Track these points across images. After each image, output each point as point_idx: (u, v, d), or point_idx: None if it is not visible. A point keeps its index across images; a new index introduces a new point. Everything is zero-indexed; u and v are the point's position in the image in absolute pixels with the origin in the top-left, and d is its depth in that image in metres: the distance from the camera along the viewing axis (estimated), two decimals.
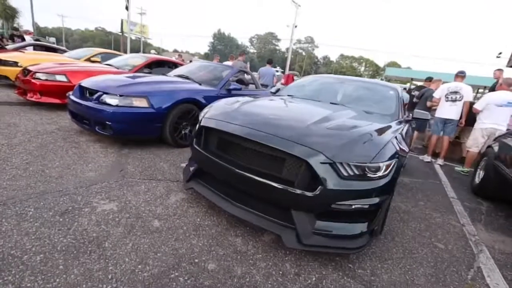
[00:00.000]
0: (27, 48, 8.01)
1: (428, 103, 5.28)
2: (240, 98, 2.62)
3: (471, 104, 4.76)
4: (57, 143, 3.04)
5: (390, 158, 1.68)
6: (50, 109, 4.53)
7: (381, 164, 1.61)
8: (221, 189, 1.96)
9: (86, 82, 3.39)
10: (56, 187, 2.07)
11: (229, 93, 4.13)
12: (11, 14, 21.34)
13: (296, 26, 29.33)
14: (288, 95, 3.21)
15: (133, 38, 37.60)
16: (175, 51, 74.88)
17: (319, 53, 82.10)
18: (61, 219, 1.68)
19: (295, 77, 8.54)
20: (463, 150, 5.48)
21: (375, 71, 78.55)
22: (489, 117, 4.40)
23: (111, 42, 57.03)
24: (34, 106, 4.62)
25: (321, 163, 1.54)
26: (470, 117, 4.85)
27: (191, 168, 2.23)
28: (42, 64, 4.97)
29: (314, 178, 1.57)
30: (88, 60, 6.90)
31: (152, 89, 3.24)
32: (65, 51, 8.59)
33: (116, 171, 2.54)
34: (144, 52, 34.29)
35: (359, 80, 3.66)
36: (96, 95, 3.06)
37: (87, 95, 3.29)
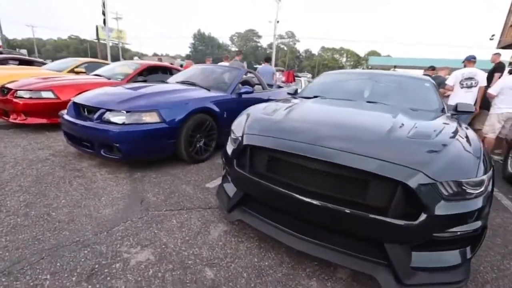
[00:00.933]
0: None
1: (442, 90, 5.11)
2: (273, 104, 2.28)
3: (486, 89, 4.63)
4: (56, 173, 2.58)
5: (488, 168, 1.39)
6: (38, 131, 4.01)
7: (484, 177, 1.32)
8: (278, 219, 1.62)
9: (81, 99, 2.93)
10: (70, 236, 1.66)
11: (240, 97, 3.77)
12: None
13: (278, 22, 29.01)
14: (316, 96, 2.88)
15: (110, 44, 36.18)
16: (155, 54, 72.84)
17: (300, 47, 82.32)
18: (90, 287, 1.29)
19: (307, 78, 8.21)
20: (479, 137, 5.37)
21: (357, 61, 79.65)
22: (505, 101, 4.25)
23: (86, 50, 54.74)
24: (18, 128, 4.08)
25: (422, 184, 1.23)
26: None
27: (232, 194, 1.87)
28: (22, 80, 4.41)
29: (413, 203, 1.26)
30: (72, 71, 6.30)
31: (161, 100, 2.83)
32: (43, 63, 7.88)
33: (136, 203, 2.14)
34: (124, 59, 33.02)
35: (386, 74, 3.39)
36: (97, 114, 2.62)
37: (85, 113, 2.84)
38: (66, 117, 2.88)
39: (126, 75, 5.05)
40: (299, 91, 3.57)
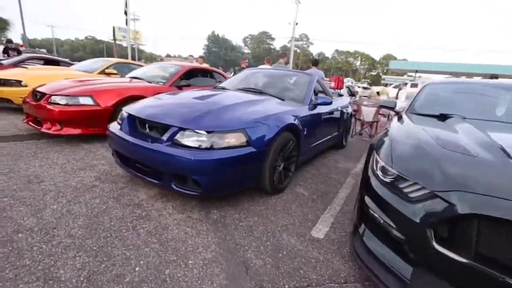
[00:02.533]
0: (25, 61, 6.81)
1: None
2: (445, 133, 1.58)
3: None
4: (112, 211, 1.94)
5: None
6: (73, 143, 3.42)
7: None
8: None
9: (140, 111, 2.29)
10: None
11: (315, 109, 3.08)
12: (1, 26, 19.91)
13: (297, 24, 28.38)
14: (446, 115, 2.15)
15: (124, 45, 36.35)
16: (168, 55, 73.30)
17: (314, 50, 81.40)
18: None
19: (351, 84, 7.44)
20: None
21: (371, 64, 77.96)
22: None
23: (102, 50, 55.40)
24: (51, 138, 3.50)
25: None
26: None
27: (411, 276, 1.16)
28: (55, 83, 3.85)
29: None
30: (103, 72, 5.78)
31: (246, 117, 2.15)
32: (69, 63, 7.42)
33: (239, 271, 1.47)
34: (139, 59, 33.00)
35: None
36: (168, 133, 1.96)
37: (146, 129, 2.20)
38: (119, 133, 2.24)
39: (167, 78, 4.45)
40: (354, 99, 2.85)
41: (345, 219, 2.18)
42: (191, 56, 9.26)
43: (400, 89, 11.61)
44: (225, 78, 5.74)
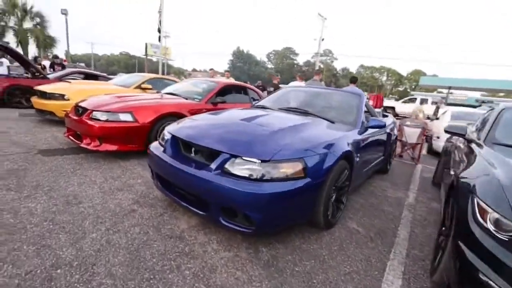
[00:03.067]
0: (68, 76, 7.21)
1: None
2: None
3: None
4: (153, 244, 1.76)
5: None
6: (110, 159, 3.37)
7: None
8: None
9: (184, 132, 2.14)
10: None
11: (365, 132, 2.79)
12: (50, 43, 21.87)
13: (323, 39, 28.42)
14: None
15: (155, 60, 38.30)
16: (194, 70, 76.30)
17: (338, 65, 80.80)
18: None
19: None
20: None
21: (398, 80, 75.59)
22: None
23: (134, 65, 58.94)
24: (89, 153, 3.49)
25: None
26: None
27: None
28: (95, 98, 3.91)
29: None
30: (139, 87, 5.91)
31: (302, 143, 1.91)
32: (107, 78, 7.75)
33: None
34: (168, 74, 34.56)
35: None
36: (218, 161, 1.77)
37: (192, 153, 2.04)
38: (162, 156, 2.09)
39: (203, 95, 4.38)
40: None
41: (418, 269, 1.83)
42: (212, 69, 9.05)
43: (438, 107, 10.84)
44: (258, 93, 5.62)
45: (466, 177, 1.64)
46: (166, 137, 2.24)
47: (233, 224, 1.70)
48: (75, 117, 3.52)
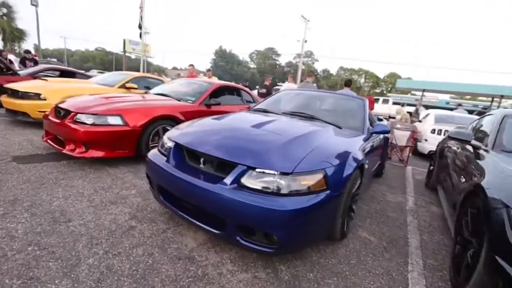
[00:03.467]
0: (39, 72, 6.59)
1: None
2: None
3: None
4: (161, 268, 1.56)
5: None
6: (96, 166, 3.07)
7: None
8: None
9: (190, 140, 1.95)
10: None
11: (370, 137, 2.75)
12: (18, 36, 20.18)
13: (306, 41, 28.77)
14: None
15: (133, 57, 36.86)
16: (174, 68, 74.35)
17: (319, 67, 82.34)
18: None
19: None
20: None
21: (376, 82, 78.56)
22: None
23: (111, 62, 56.32)
24: (72, 160, 3.16)
25: None
26: None
27: None
28: (79, 99, 3.58)
29: None
30: (123, 86, 5.55)
31: (322, 153, 1.79)
32: (86, 76, 7.21)
33: None
34: (148, 71, 33.36)
35: None
36: (235, 174, 1.60)
37: (200, 164, 1.85)
38: (166, 167, 1.88)
39: (196, 97, 4.16)
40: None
41: (438, 281, 1.79)
42: (192, 65, 8.24)
43: (417, 109, 11.25)
44: (251, 95, 5.47)
45: (490, 188, 1.60)
46: (167, 145, 2.04)
47: (252, 244, 1.54)
48: (55, 120, 3.18)
